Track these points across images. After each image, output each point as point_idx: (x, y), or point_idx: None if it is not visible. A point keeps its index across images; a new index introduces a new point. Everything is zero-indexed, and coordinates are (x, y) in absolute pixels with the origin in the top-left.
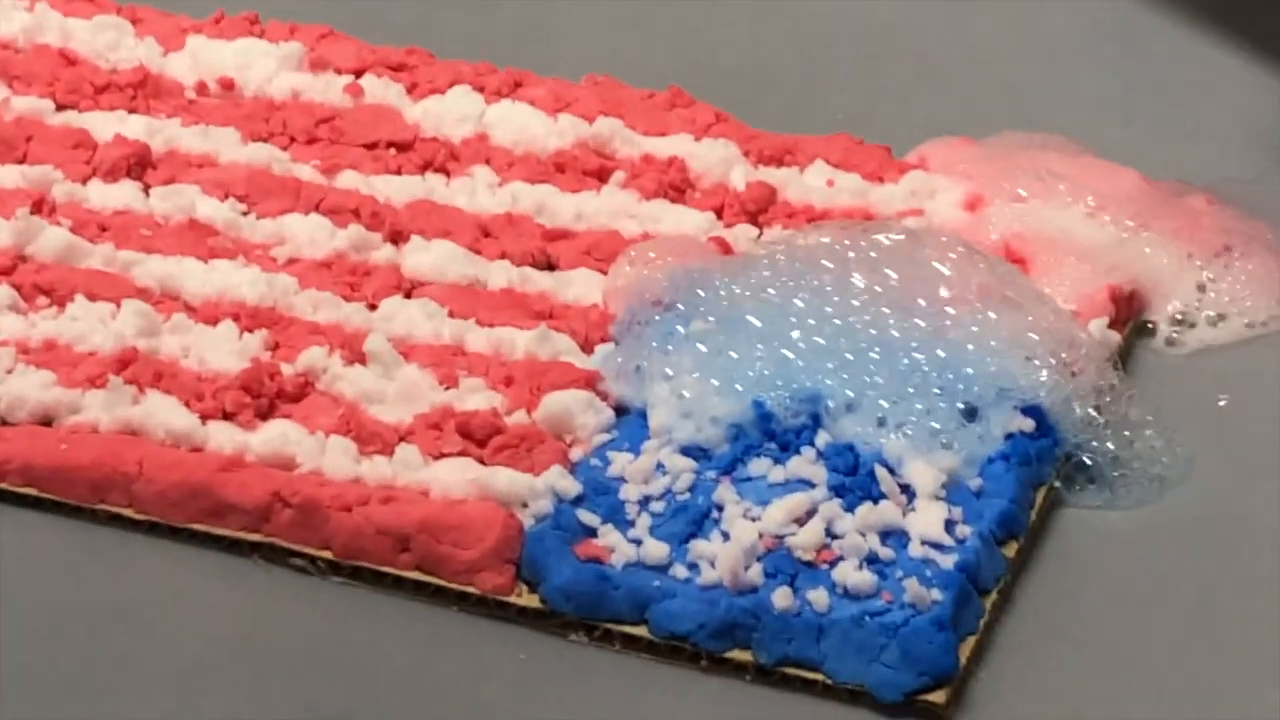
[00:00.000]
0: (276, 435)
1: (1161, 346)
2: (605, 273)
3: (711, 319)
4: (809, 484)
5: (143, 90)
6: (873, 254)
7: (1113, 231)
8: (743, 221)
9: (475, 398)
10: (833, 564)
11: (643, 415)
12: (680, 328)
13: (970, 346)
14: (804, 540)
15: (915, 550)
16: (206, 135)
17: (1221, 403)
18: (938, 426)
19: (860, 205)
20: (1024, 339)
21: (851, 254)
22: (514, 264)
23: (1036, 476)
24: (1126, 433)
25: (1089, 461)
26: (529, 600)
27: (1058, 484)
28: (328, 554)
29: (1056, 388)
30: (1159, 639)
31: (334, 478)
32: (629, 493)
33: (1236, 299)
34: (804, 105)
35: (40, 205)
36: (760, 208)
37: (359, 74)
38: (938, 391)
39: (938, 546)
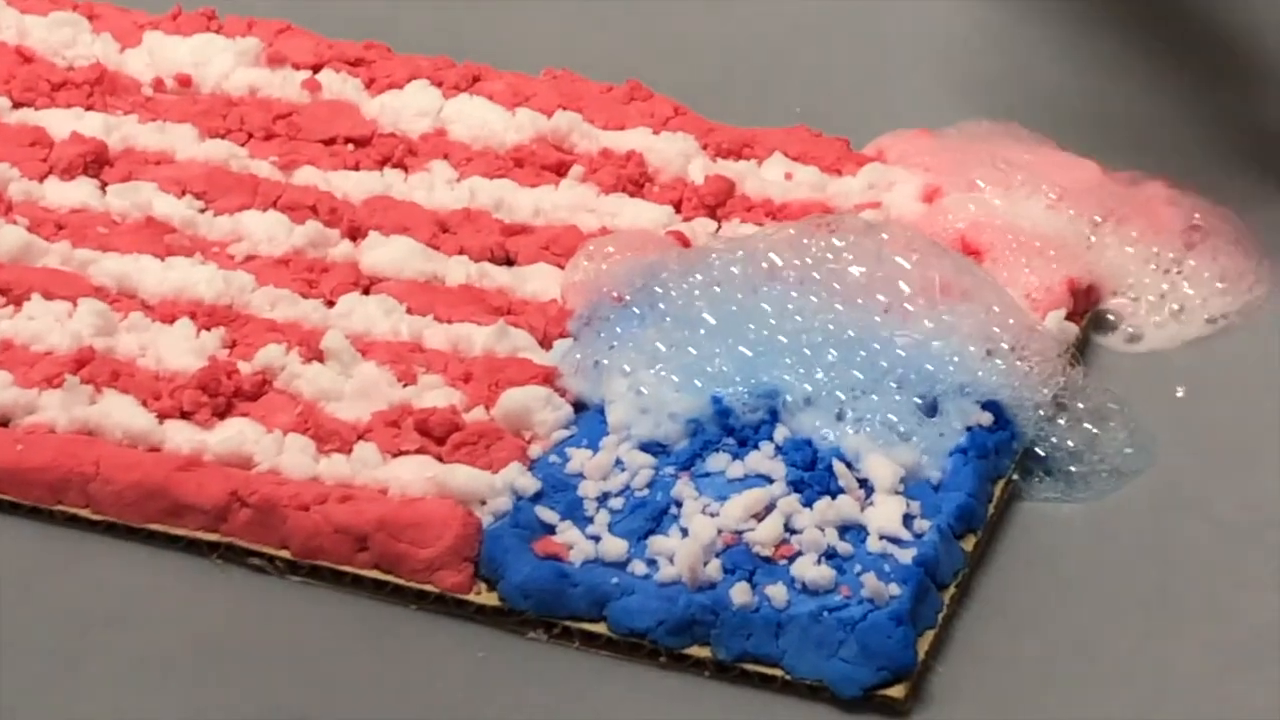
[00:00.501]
0: (234, 434)
1: (1119, 339)
2: (564, 268)
3: (669, 319)
4: (767, 479)
5: (99, 87)
6: (830, 249)
7: (1071, 223)
8: (701, 215)
9: (433, 395)
10: (791, 559)
11: (601, 411)
12: (638, 323)
13: (928, 340)
14: (762, 536)
15: (873, 545)
16: (163, 132)
17: (1179, 393)
18: (896, 421)
19: (819, 198)
20: (982, 332)
21: (810, 249)
22: (472, 259)
23: (995, 470)
24: (1084, 425)
25: (1047, 454)
26: (487, 598)
27: (1016, 477)
28: (286, 553)
29: (1014, 381)
30: (1118, 631)
31: (292, 476)
32: (587, 489)
33: (1195, 291)
34: (762, 98)
35: None
36: (719, 201)
37: (316, 69)
38: (895, 386)
39: (896, 541)
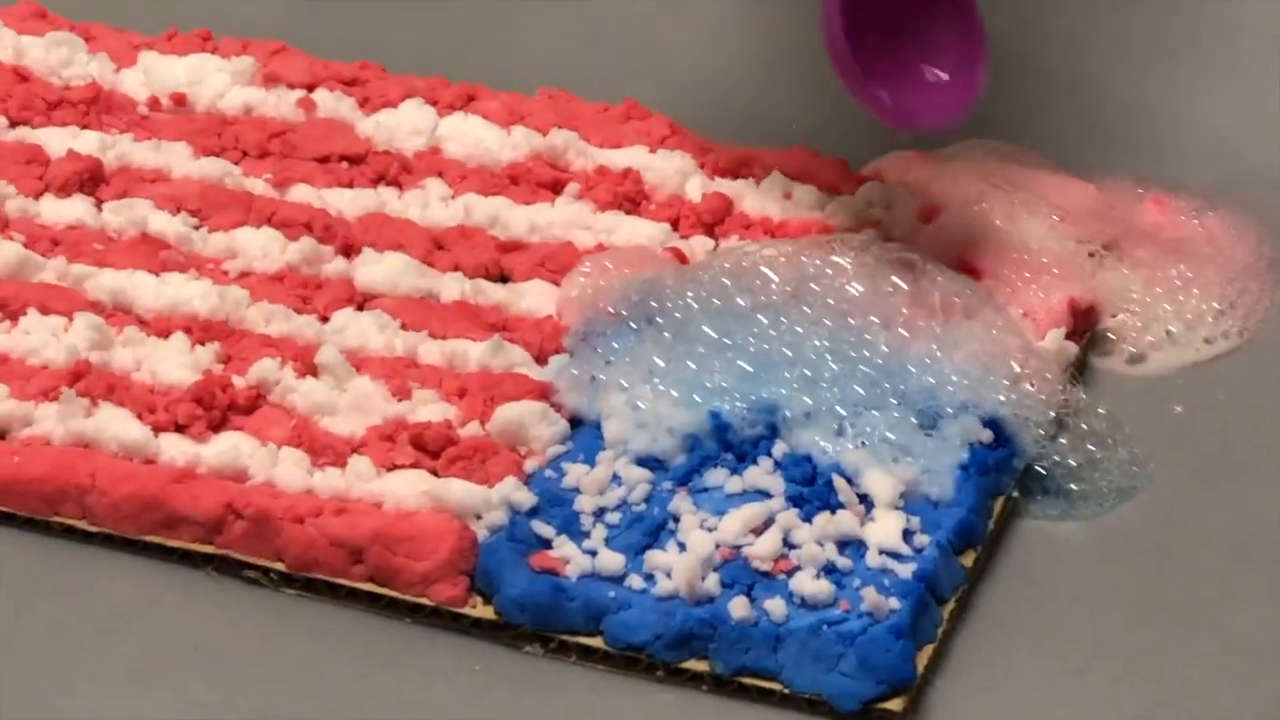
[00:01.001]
0: (229, 447)
1: (1119, 359)
2: (559, 284)
3: (666, 334)
4: (766, 494)
5: (95, 106)
6: (830, 266)
7: (1070, 242)
8: (699, 233)
9: (428, 409)
10: (790, 574)
11: (597, 427)
12: (635, 339)
13: (928, 358)
14: (761, 550)
15: (873, 560)
16: (159, 150)
17: (1178, 410)
18: (895, 437)
19: (817, 217)
20: (981, 350)
21: (809, 266)
22: (467, 276)
23: (995, 486)
24: (1083, 443)
25: (1046, 472)
26: (483, 612)
27: (1016, 494)
28: (281, 566)
29: (1015, 399)
30: (1116, 648)
31: (287, 489)
32: (584, 504)
33: (1194, 310)
34: (760, 118)
35: None
36: (716, 219)
37: (311, 88)
38: (896, 402)
39: (896, 556)
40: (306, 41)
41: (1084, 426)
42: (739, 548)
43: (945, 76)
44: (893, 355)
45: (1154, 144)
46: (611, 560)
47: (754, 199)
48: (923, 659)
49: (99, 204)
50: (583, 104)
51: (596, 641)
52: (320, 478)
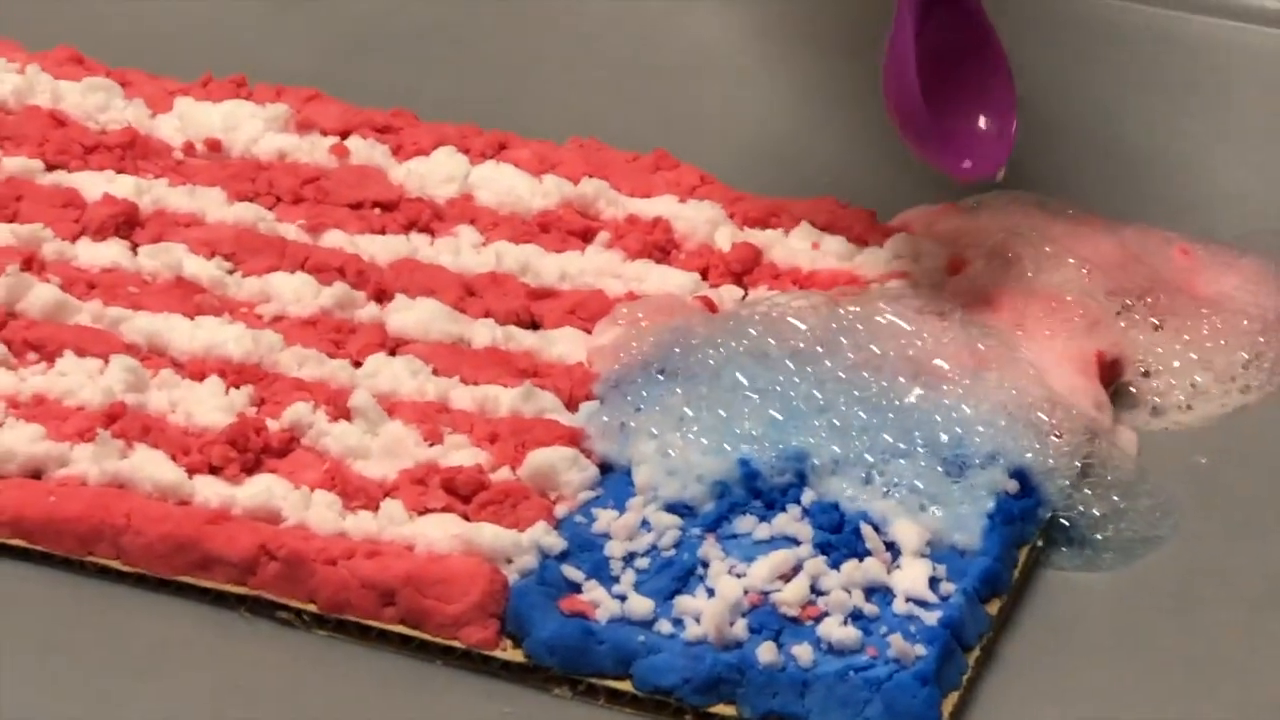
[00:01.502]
0: (262, 489)
1: (1143, 409)
2: (589, 332)
3: (697, 382)
4: (794, 541)
5: (131, 151)
6: (859, 317)
7: (1098, 293)
8: (728, 282)
9: (460, 454)
10: (818, 620)
11: (628, 473)
12: (666, 387)
13: (955, 408)
14: (789, 596)
15: (900, 607)
16: (193, 195)
17: (1202, 461)
18: (923, 486)
19: (845, 267)
20: (1008, 400)
21: (839, 315)
22: (498, 323)
23: (1020, 536)
24: (1108, 494)
25: (1072, 522)
26: (513, 654)
27: (1040, 544)
28: (313, 607)
29: (1040, 450)
30: (1139, 697)
31: (319, 532)
32: (614, 549)
33: (1220, 361)
34: (788, 169)
35: (30, 263)
36: (746, 269)
37: (345, 135)
38: (923, 451)
39: (922, 603)
40: (340, 89)
41: (1109, 477)
42: (767, 594)
43: (990, 124)
44: (921, 405)
45: (1181, 195)
46: (641, 605)
47: (783, 249)
48: (948, 706)
49: (134, 247)
50: (613, 153)
51: (625, 685)
52: (353, 520)
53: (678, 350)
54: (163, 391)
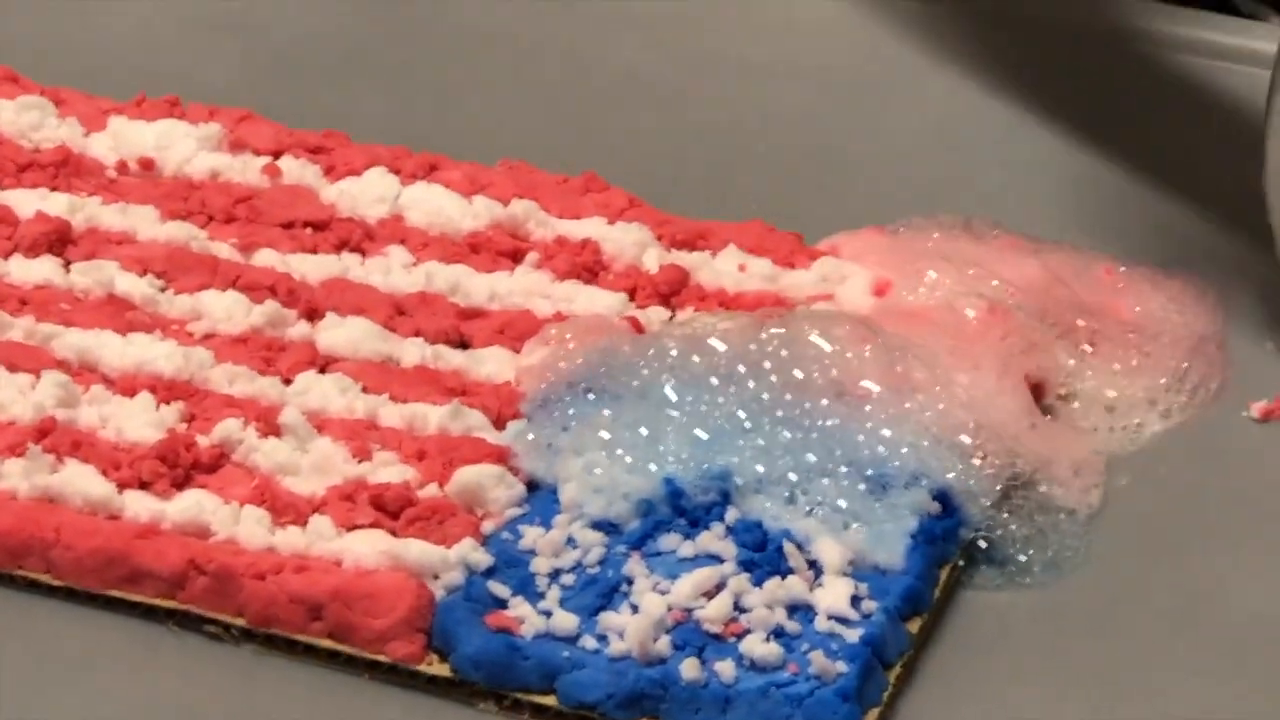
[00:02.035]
0: (192, 505)
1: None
2: (518, 351)
3: (623, 402)
4: (718, 559)
5: (64, 169)
6: (783, 339)
7: (1021, 316)
8: (655, 303)
9: (388, 471)
10: (740, 636)
11: (554, 491)
12: (593, 406)
13: (879, 429)
14: (712, 613)
15: (821, 624)
16: (126, 213)
17: (1123, 482)
18: (846, 505)
19: (771, 290)
20: (931, 422)
21: (763, 337)
22: (428, 341)
23: (941, 555)
24: (1030, 516)
25: (993, 543)
26: (439, 669)
27: (962, 563)
28: (241, 621)
29: (963, 470)
30: (1058, 715)
31: (248, 547)
32: (540, 565)
33: (1142, 384)
34: (716, 193)
35: None
36: (673, 290)
37: (277, 155)
38: (846, 470)
39: (843, 621)
40: (273, 110)
41: (1030, 498)
42: (690, 610)
43: None
44: (845, 425)
45: (1105, 218)
46: (566, 620)
47: (710, 271)
48: None
49: (67, 265)
50: (543, 175)
51: (550, 700)
52: (281, 536)
53: (604, 370)
54: (93, 407)
